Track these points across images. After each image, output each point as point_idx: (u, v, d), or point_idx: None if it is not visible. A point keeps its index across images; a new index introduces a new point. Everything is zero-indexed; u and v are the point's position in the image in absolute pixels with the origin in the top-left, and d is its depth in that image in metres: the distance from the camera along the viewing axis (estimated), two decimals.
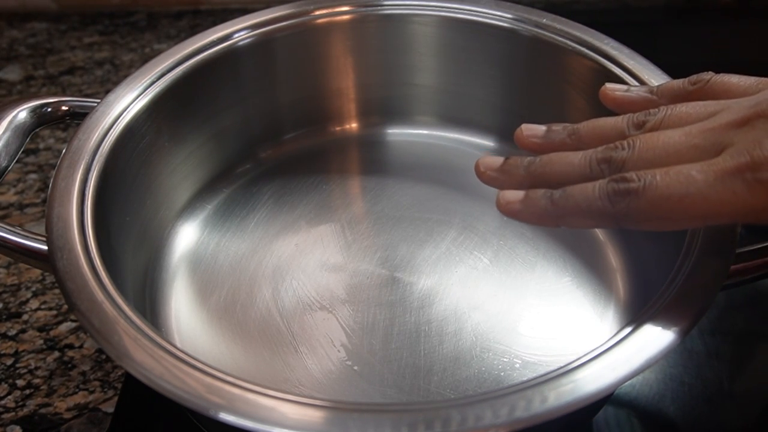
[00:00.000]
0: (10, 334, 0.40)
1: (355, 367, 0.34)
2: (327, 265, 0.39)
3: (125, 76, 0.39)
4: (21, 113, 0.36)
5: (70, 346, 0.40)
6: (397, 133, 0.48)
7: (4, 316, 0.41)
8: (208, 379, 0.25)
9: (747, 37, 0.62)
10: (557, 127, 0.32)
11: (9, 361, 0.39)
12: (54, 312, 0.42)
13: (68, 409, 0.37)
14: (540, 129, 0.32)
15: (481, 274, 0.38)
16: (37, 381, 0.38)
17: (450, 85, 0.46)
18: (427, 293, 0.38)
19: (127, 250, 0.36)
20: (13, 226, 0.32)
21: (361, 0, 0.44)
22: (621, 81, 0.38)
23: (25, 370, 0.39)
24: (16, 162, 0.35)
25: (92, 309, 0.28)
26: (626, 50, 0.39)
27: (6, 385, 0.38)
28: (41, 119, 0.37)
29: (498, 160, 0.31)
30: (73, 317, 0.41)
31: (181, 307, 0.38)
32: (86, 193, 0.33)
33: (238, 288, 0.38)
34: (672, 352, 0.26)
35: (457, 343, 0.35)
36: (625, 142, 0.28)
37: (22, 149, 0.35)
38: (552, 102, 0.43)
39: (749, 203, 0.24)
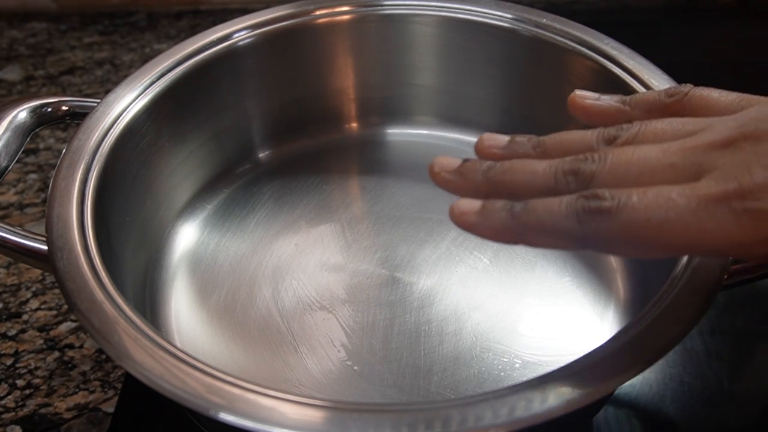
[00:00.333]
0: (10, 334, 0.40)
1: (355, 367, 0.34)
2: (327, 265, 0.39)
3: (125, 76, 0.39)
4: (21, 113, 0.36)
5: (70, 346, 0.40)
6: (396, 133, 0.48)
7: (4, 316, 0.41)
8: (208, 379, 0.25)
9: (747, 37, 0.62)
10: (521, 138, 0.28)
11: (9, 361, 0.39)
12: (54, 312, 0.42)
13: (68, 409, 0.37)
14: (502, 139, 0.28)
15: (481, 274, 0.38)
16: (37, 381, 0.38)
17: (450, 85, 0.46)
18: (427, 293, 0.38)
19: (127, 250, 0.36)
20: (13, 226, 0.32)
21: (361, 0, 0.44)
22: (621, 81, 0.38)
23: (25, 370, 0.39)
24: (16, 162, 0.35)
25: (92, 309, 0.28)
26: (626, 50, 0.39)
27: (6, 385, 0.38)
28: (41, 119, 0.37)
29: (455, 162, 0.28)
30: (73, 317, 0.41)
31: (181, 307, 0.38)
32: (86, 193, 0.33)
33: (238, 288, 0.38)
34: (672, 351, 0.26)
35: (457, 343, 0.35)
36: (595, 155, 0.25)
37: (22, 149, 0.35)
38: (552, 102, 0.43)
39: (735, 235, 0.22)
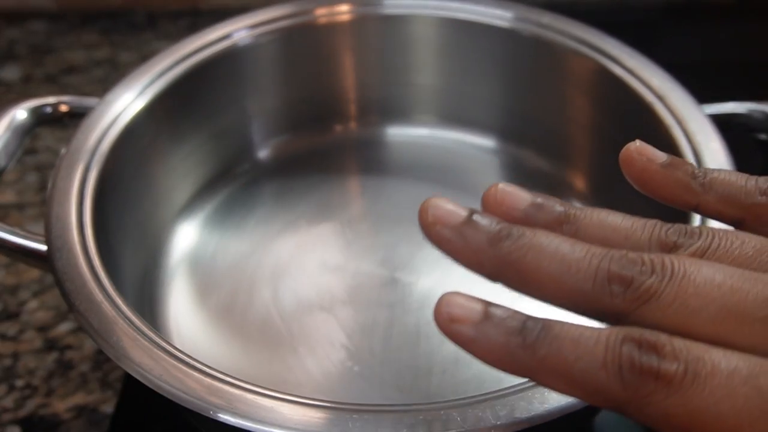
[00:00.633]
0: (9, 334, 0.40)
1: (355, 368, 0.34)
2: (327, 265, 0.39)
3: (124, 76, 0.38)
4: (20, 113, 0.36)
5: (69, 347, 0.40)
6: (396, 133, 0.48)
7: (3, 317, 0.41)
8: (208, 380, 0.25)
9: (747, 37, 0.62)
10: (549, 203, 0.20)
11: (8, 362, 0.39)
12: (53, 312, 0.41)
13: (67, 410, 0.37)
14: (523, 198, 0.20)
15: None
16: (36, 381, 0.38)
17: (450, 85, 0.46)
18: (427, 293, 0.37)
19: (126, 250, 0.36)
20: (11, 226, 0.32)
21: (361, 0, 0.44)
22: (621, 81, 0.38)
23: (24, 371, 0.38)
24: (15, 162, 0.35)
25: (91, 309, 0.28)
26: (627, 50, 0.39)
27: (5, 386, 0.38)
28: (40, 119, 0.37)
29: (456, 215, 0.21)
30: (72, 317, 0.41)
31: (181, 307, 0.38)
32: (85, 193, 0.32)
33: (238, 288, 0.38)
34: None
35: None
36: (659, 262, 0.17)
37: (21, 149, 0.35)
38: (552, 102, 0.43)
39: None
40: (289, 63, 0.44)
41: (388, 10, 0.44)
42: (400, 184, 0.44)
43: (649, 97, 0.36)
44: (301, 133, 0.47)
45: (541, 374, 0.17)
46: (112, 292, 0.28)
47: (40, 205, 0.48)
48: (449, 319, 0.19)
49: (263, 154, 0.46)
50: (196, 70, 0.40)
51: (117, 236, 0.35)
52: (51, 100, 0.37)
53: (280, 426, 0.24)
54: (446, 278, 0.38)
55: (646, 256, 0.17)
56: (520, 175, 0.45)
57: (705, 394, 0.15)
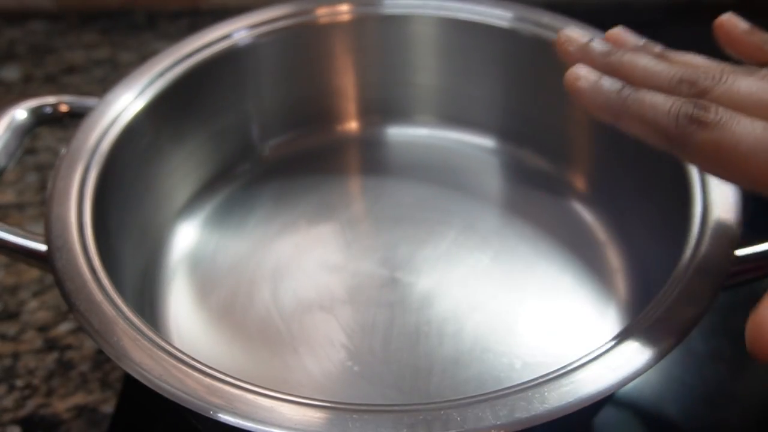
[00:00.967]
0: (9, 334, 0.40)
1: (355, 368, 0.34)
2: (327, 265, 0.39)
3: (124, 76, 0.38)
4: (20, 113, 0.36)
5: (70, 347, 0.40)
6: (397, 133, 0.48)
7: (3, 317, 0.41)
8: (208, 380, 0.25)
9: None
10: (651, 45, 0.29)
11: (8, 362, 0.39)
12: (53, 312, 0.41)
13: (67, 410, 0.37)
14: (634, 39, 0.30)
15: (481, 274, 0.38)
16: (36, 381, 0.38)
17: (450, 85, 0.46)
18: (427, 293, 0.37)
19: (126, 250, 0.36)
20: (11, 226, 0.32)
21: (361, 0, 0.44)
22: None
23: (24, 371, 0.38)
24: (15, 162, 0.35)
25: (91, 309, 0.28)
26: None
27: (5, 386, 0.38)
28: (40, 119, 0.37)
29: (582, 38, 0.29)
30: (72, 317, 0.41)
31: (181, 307, 0.38)
32: (85, 193, 0.32)
33: (238, 288, 0.38)
34: (673, 352, 0.26)
35: (457, 343, 0.35)
36: (717, 74, 0.26)
37: (20, 149, 0.35)
38: (552, 102, 0.43)
39: None
40: (290, 63, 0.44)
41: (388, 10, 0.44)
42: (400, 184, 0.44)
43: None
44: (301, 133, 0.47)
45: (626, 119, 0.26)
46: (112, 292, 0.28)
47: (40, 205, 0.48)
48: (574, 77, 0.28)
49: (263, 154, 0.46)
50: (197, 70, 0.40)
51: (117, 236, 0.35)
52: (51, 100, 0.37)
53: (280, 426, 0.24)
54: (446, 278, 0.38)
55: (710, 71, 0.26)
56: (520, 174, 0.45)
57: (726, 132, 0.23)
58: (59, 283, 0.29)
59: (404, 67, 0.46)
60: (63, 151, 0.34)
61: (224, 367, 0.26)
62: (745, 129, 0.23)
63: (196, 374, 0.25)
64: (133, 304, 0.29)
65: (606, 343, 0.26)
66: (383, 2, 0.44)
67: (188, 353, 0.26)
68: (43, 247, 0.30)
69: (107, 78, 0.60)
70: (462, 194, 0.43)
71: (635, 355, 0.26)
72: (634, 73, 0.27)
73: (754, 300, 0.27)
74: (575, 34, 0.30)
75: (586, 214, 0.42)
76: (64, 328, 0.41)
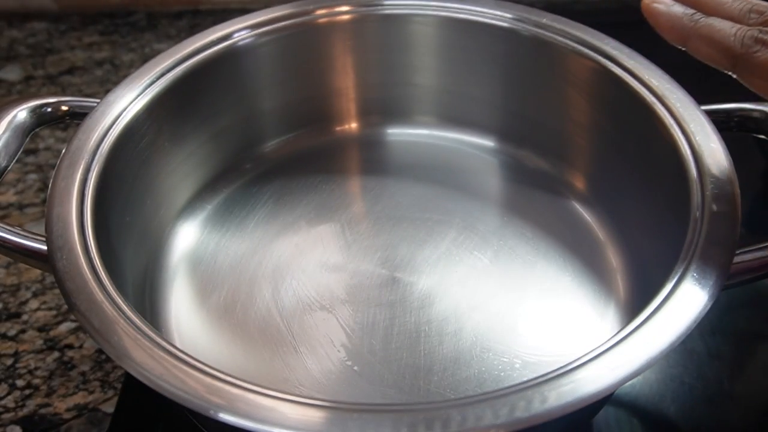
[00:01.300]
0: (9, 334, 0.40)
1: (355, 368, 0.34)
2: (327, 265, 0.39)
3: (125, 76, 0.38)
4: (21, 113, 0.36)
5: (70, 347, 0.40)
6: (397, 133, 0.48)
7: (4, 317, 0.41)
8: (208, 379, 0.25)
9: None
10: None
11: (9, 362, 0.39)
12: (54, 312, 0.41)
13: (68, 410, 0.37)
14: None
15: (481, 274, 0.38)
16: (36, 381, 0.38)
17: (450, 85, 0.46)
18: (427, 293, 0.37)
19: (127, 250, 0.36)
20: (12, 226, 0.32)
21: (361, 0, 0.44)
22: (621, 81, 0.38)
23: (24, 371, 0.39)
24: (16, 162, 0.35)
25: (92, 309, 0.28)
26: (626, 50, 0.39)
27: (6, 386, 0.38)
28: (41, 119, 0.37)
29: None
30: (72, 317, 0.41)
31: (181, 307, 0.38)
32: (86, 193, 0.32)
33: (238, 288, 0.38)
34: (672, 352, 0.26)
35: (457, 343, 0.35)
36: None
37: (21, 149, 0.35)
38: (552, 102, 0.43)
39: None
40: (290, 63, 0.44)
41: (388, 10, 0.44)
42: (400, 184, 0.44)
43: (649, 97, 0.36)
44: (301, 133, 0.47)
45: (694, 40, 0.30)
46: (113, 291, 0.28)
47: (40, 205, 0.48)
48: (651, 1, 0.32)
49: (264, 154, 0.46)
50: (197, 70, 0.40)
51: (118, 236, 0.35)
52: (52, 100, 0.37)
53: (280, 425, 0.24)
54: (446, 278, 0.38)
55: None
56: (520, 175, 0.45)
57: None
58: (60, 283, 0.29)
59: (404, 67, 0.46)
60: (64, 151, 0.34)
61: (224, 367, 0.26)
62: None
63: (196, 374, 0.25)
64: (133, 304, 0.29)
65: (605, 342, 0.26)
66: (383, 2, 0.44)
67: (189, 353, 0.26)
68: (43, 247, 0.30)
69: (108, 78, 0.60)
70: (462, 194, 0.43)
71: (634, 354, 0.26)
72: (708, 2, 0.31)
73: (754, 300, 0.27)
74: None
75: (585, 214, 0.42)
76: (64, 327, 0.41)
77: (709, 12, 0.31)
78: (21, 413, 0.37)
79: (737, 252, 0.29)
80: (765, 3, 0.30)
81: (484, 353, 0.35)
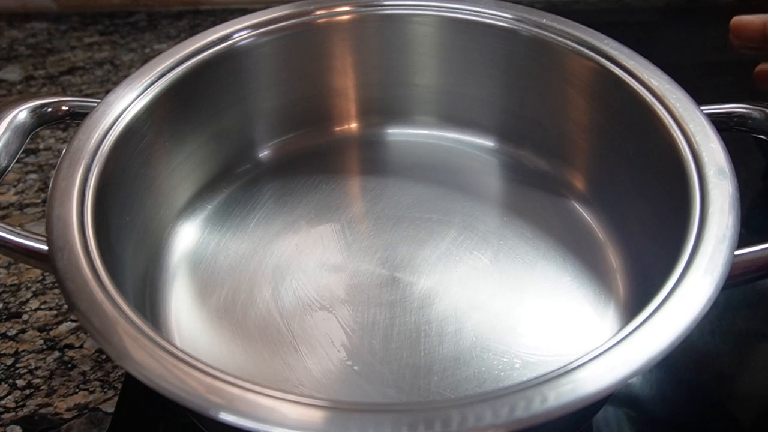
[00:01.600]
0: (10, 334, 0.40)
1: (355, 367, 0.34)
2: (327, 265, 0.39)
3: (125, 76, 0.39)
4: (21, 113, 0.36)
5: (70, 346, 0.40)
6: (397, 133, 0.48)
7: (4, 316, 0.41)
8: (208, 379, 0.25)
9: None
10: None
11: (9, 361, 0.39)
12: (54, 312, 0.42)
13: (68, 409, 0.37)
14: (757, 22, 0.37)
15: (481, 274, 0.38)
16: (37, 381, 0.38)
17: (450, 85, 0.46)
18: (427, 293, 0.38)
19: (127, 250, 0.36)
20: (13, 226, 0.32)
21: (361, 0, 0.44)
22: (621, 81, 0.38)
23: (25, 370, 0.39)
24: (16, 162, 0.35)
25: (92, 309, 0.28)
26: (626, 50, 0.39)
27: (6, 385, 0.38)
28: (41, 119, 0.37)
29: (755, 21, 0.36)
30: (73, 317, 0.41)
31: (181, 307, 0.38)
32: (86, 193, 0.32)
33: (238, 288, 0.38)
34: (672, 352, 0.26)
35: (457, 343, 0.35)
36: None
37: (22, 149, 0.35)
38: (552, 102, 0.43)
39: None
40: (290, 63, 0.44)
41: (388, 10, 0.44)
42: (400, 184, 0.44)
43: (649, 97, 0.36)
44: (301, 134, 0.47)
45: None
46: (113, 291, 0.28)
47: (41, 206, 0.48)
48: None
49: (264, 154, 0.46)
50: (197, 70, 0.40)
51: (118, 236, 0.35)
52: (52, 100, 0.37)
53: (280, 425, 0.24)
54: (446, 278, 0.38)
55: None
56: (520, 175, 0.45)
57: None
58: (60, 283, 0.29)
59: (404, 67, 0.46)
60: (64, 151, 0.34)
61: (225, 367, 0.26)
62: None
63: (196, 374, 0.25)
64: (134, 304, 0.29)
65: (605, 342, 0.27)
66: (383, 2, 0.44)
67: (189, 353, 0.26)
68: (44, 247, 0.30)
69: (108, 78, 0.60)
70: (462, 194, 0.43)
71: (634, 354, 0.26)
72: None
73: (754, 300, 0.27)
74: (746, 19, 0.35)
75: (585, 214, 0.42)
76: (65, 327, 0.41)
77: None
78: (21, 413, 0.37)
79: (737, 252, 0.29)
80: None
81: (484, 353, 0.35)
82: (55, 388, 0.38)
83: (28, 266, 0.43)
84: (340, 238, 0.41)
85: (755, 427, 0.37)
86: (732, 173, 0.32)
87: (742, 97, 0.37)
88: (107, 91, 0.38)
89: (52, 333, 0.40)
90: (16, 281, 0.43)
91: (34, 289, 0.43)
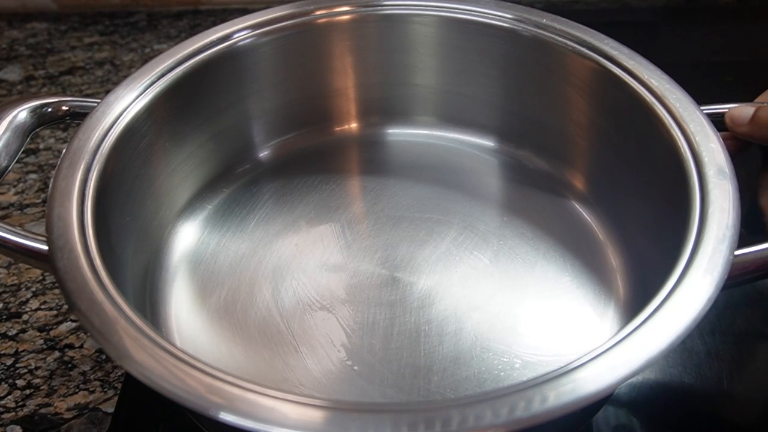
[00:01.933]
0: (10, 334, 0.40)
1: (355, 367, 0.34)
2: (327, 265, 0.39)
3: (125, 77, 0.39)
4: (21, 113, 0.36)
5: (70, 346, 0.40)
6: (397, 133, 0.48)
7: (4, 316, 0.41)
8: (208, 379, 0.25)
9: (747, 37, 0.62)
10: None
11: (9, 361, 0.39)
12: (54, 312, 0.42)
13: (68, 409, 0.37)
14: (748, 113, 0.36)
15: (481, 274, 0.38)
16: (37, 381, 0.38)
17: (450, 85, 0.46)
18: (427, 293, 0.38)
19: (127, 250, 0.36)
20: (13, 226, 0.32)
21: (361, 0, 0.44)
22: (621, 81, 0.38)
23: (25, 370, 0.39)
24: (17, 162, 0.35)
25: (92, 309, 0.28)
26: (626, 50, 0.39)
27: (6, 385, 0.38)
28: (41, 119, 0.37)
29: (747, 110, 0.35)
30: (73, 317, 0.41)
31: (181, 307, 0.38)
32: (86, 193, 0.33)
33: (238, 288, 0.38)
34: (672, 351, 0.26)
35: (457, 343, 0.35)
36: None
37: (22, 149, 0.35)
38: (552, 102, 0.43)
39: None
40: (290, 63, 0.44)
41: (388, 10, 0.44)
42: (400, 184, 0.44)
43: (649, 97, 0.36)
44: (301, 133, 0.47)
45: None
46: (114, 291, 0.29)
47: (41, 206, 0.48)
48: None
49: (264, 154, 0.46)
50: (197, 70, 0.40)
51: (118, 236, 0.35)
52: (52, 100, 0.37)
53: (280, 425, 0.24)
54: (446, 278, 0.38)
55: None
56: (520, 175, 0.45)
57: None
58: (60, 283, 0.29)
59: (404, 67, 0.46)
60: (64, 151, 0.34)
61: (225, 367, 0.26)
62: None
63: (196, 374, 0.25)
64: (134, 304, 0.29)
65: (605, 342, 0.27)
66: (383, 2, 0.44)
67: (189, 353, 0.26)
68: (44, 247, 0.30)
69: (108, 78, 0.60)
70: (462, 194, 0.43)
71: (634, 354, 0.26)
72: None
73: (754, 300, 0.27)
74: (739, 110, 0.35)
75: (585, 214, 0.42)
76: (65, 327, 0.41)
77: None
78: (21, 413, 0.37)
79: (737, 252, 0.29)
80: None
81: (484, 353, 0.35)
82: (55, 388, 0.38)
83: (28, 266, 0.43)
84: (340, 238, 0.41)
85: (755, 428, 0.37)
86: (732, 173, 0.32)
87: (744, 97, 0.37)
88: (107, 91, 0.38)
89: (52, 333, 0.40)
90: (16, 281, 0.43)
91: (34, 289, 0.43)
